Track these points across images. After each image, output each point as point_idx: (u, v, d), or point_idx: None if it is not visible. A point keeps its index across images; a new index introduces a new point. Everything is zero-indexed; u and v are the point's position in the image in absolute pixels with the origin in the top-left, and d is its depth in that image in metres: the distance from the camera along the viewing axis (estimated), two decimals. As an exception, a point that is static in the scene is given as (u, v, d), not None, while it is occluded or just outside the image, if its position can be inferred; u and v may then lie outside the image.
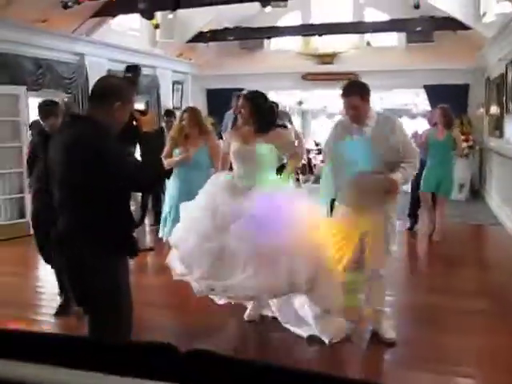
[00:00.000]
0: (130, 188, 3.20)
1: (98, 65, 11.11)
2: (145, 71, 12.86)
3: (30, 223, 5.60)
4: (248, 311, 5.02)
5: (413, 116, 18.62)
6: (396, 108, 19.06)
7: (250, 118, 4.77)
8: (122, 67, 11.88)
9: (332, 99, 18.94)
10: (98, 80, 3.15)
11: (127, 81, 3.49)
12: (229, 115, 9.33)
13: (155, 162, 3.32)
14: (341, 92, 4.34)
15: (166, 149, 6.21)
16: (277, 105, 8.20)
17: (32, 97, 9.17)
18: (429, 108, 14.72)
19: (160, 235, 6.33)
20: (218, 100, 14.29)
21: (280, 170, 4.92)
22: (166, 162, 6.16)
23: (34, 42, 9.34)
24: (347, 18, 13.99)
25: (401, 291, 5.99)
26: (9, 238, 8.09)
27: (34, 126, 6.13)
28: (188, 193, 5.75)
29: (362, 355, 4.48)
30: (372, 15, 14.08)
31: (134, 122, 3.38)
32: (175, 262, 4.69)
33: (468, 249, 8.07)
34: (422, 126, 16.81)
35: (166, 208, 6.33)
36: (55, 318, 5.16)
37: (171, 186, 6.26)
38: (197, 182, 5.49)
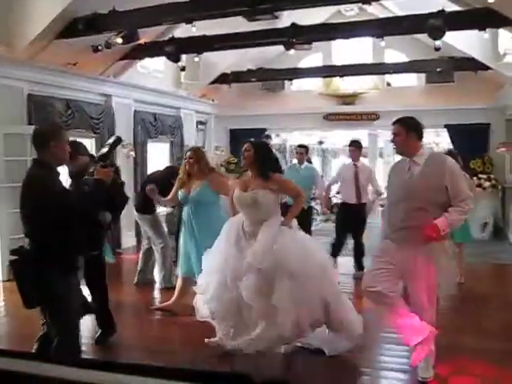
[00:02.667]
0: (70, 217, 3.81)
1: (125, 105, 11.39)
2: (169, 112, 13.14)
3: None
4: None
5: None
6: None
7: (253, 163, 5.04)
8: (147, 108, 12.17)
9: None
10: (34, 130, 3.99)
11: (112, 144, 4.26)
12: None
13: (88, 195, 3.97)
14: None
15: (173, 189, 6.53)
16: (307, 150, 8.46)
17: (62, 137, 9.39)
18: (451, 147, 14.81)
19: (176, 273, 6.81)
20: (241, 140, 14.46)
21: (285, 212, 5.15)
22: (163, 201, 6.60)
23: (65, 83, 9.64)
24: (367, 59, 14.22)
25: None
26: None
27: None
28: (197, 230, 6.15)
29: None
30: (392, 56, 14.30)
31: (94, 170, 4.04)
32: (200, 305, 5.08)
33: (493, 288, 8.00)
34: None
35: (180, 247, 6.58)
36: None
37: (182, 226, 6.54)
38: (204, 219, 5.97)
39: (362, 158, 8.75)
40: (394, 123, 4.56)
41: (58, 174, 3.87)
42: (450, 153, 8.40)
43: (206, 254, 5.12)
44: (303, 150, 8.85)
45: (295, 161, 9.39)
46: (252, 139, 5.47)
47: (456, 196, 4.27)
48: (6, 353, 1.04)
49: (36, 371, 0.97)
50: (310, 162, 10.75)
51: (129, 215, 11.39)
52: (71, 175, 5.29)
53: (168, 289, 7.42)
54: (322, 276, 4.77)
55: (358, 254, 8.32)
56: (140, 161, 11.93)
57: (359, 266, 8.30)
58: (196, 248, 6.05)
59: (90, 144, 10.72)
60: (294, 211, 5.15)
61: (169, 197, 6.59)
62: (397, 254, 4.40)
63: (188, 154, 6.36)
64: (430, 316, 4.39)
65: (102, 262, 5.68)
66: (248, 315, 4.69)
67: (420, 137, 4.51)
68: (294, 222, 5.16)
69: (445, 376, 4.61)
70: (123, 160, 11.29)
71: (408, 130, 4.45)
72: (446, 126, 13.91)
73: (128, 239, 11.31)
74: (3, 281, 8.20)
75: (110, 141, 4.27)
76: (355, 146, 8.50)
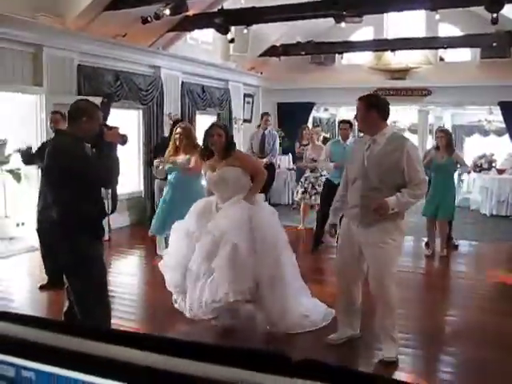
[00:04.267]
0: (96, 183, 3.96)
1: (173, 77, 11.42)
2: (217, 84, 13.12)
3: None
4: None
5: (485, 133, 18.16)
6: (468, 125, 18.68)
7: (223, 147, 5.16)
8: (195, 80, 12.18)
9: (403, 114, 18.72)
10: (71, 104, 4.06)
11: (102, 104, 4.52)
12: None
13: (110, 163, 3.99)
14: None
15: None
16: (351, 125, 8.49)
17: (111, 108, 9.48)
18: (503, 125, 14.43)
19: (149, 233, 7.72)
20: (289, 113, 14.44)
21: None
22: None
23: (114, 55, 9.72)
24: (420, 33, 13.85)
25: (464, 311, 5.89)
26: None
27: None
28: (175, 197, 7.05)
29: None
30: (445, 30, 13.88)
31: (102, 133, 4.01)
32: (167, 275, 5.32)
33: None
34: (495, 143, 16.46)
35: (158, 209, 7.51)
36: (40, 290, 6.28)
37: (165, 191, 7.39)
38: (185, 188, 6.80)
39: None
40: (358, 99, 4.52)
41: (82, 141, 3.94)
42: (443, 131, 8.43)
43: (174, 228, 5.39)
44: (347, 126, 8.69)
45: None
46: (219, 123, 6.05)
47: (411, 179, 4.25)
48: (33, 321, 1.03)
49: (63, 344, 0.96)
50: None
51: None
52: None
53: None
54: (266, 254, 4.85)
55: None
56: (187, 133, 11.97)
57: None
58: (168, 210, 7.04)
59: (137, 115, 10.83)
60: (255, 189, 5.21)
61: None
62: (354, 234, 4.46)
63: (177, 130, 7.02)
64: (389, 292, 4.39)
65: None
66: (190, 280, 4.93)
67: (382, 115, 4.42)
68: (260, 197, 5.29)
69: (492, 359, 4.52)
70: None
71: (368, 107, 4.38)
72: (499, 104, 13.52)
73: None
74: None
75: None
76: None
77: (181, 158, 6.90)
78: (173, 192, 7.13)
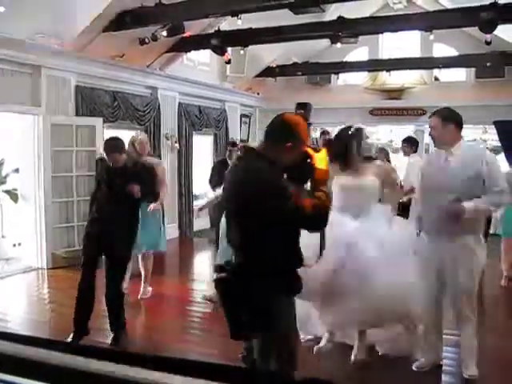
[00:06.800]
0: (297, 226, 2.96)
1: (170, 98, 11.48)
2: (214, 105, 13.18)
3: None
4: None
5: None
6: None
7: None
8: (192, 100, 12.23)
9: (398, 134, 18.80)
10: (276, 117, 3.08)
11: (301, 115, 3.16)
12: None
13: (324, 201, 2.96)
14: None
15: None
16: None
17: (108, 128, 9.54)
18: (498, 144, 14.46)
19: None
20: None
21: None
22: None
23: (112, 76, 9.77)
24: (415, 53, 13.98)
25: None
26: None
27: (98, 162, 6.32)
28: None
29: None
30: (440, 50, 14.01)
31: (308, 160, 2.99)
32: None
33: None
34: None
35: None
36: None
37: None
38: None
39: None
40: (431, 115, 4.42)
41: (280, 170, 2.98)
42: (381, 150, 8.45)
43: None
44: None
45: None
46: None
47: (491, 187, 4.12)
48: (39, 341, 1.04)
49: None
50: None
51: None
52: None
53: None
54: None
55: None
56: (185, 153, 12.00)
57: None
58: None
59: (135, 136, 10.86)
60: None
61: None
62: (434, 251, 4.30)
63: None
64: (470, 309, 4.29)
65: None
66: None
67: (459, 127, 4.34)
68: None
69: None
70: (167, 152, 11.38)
71: (445, 122, 4.28)
72: (494, 123, 13.56)
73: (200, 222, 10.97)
74: (47, 269, 8.38)
75: None
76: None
77: None
78: None
